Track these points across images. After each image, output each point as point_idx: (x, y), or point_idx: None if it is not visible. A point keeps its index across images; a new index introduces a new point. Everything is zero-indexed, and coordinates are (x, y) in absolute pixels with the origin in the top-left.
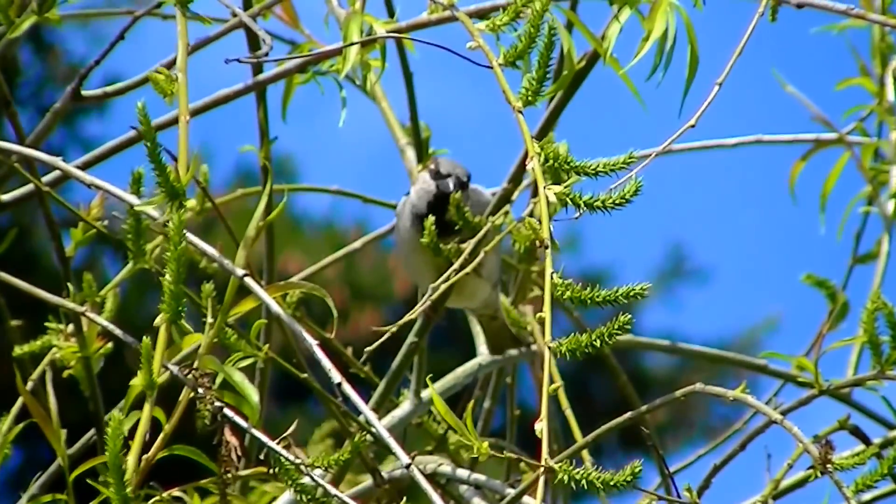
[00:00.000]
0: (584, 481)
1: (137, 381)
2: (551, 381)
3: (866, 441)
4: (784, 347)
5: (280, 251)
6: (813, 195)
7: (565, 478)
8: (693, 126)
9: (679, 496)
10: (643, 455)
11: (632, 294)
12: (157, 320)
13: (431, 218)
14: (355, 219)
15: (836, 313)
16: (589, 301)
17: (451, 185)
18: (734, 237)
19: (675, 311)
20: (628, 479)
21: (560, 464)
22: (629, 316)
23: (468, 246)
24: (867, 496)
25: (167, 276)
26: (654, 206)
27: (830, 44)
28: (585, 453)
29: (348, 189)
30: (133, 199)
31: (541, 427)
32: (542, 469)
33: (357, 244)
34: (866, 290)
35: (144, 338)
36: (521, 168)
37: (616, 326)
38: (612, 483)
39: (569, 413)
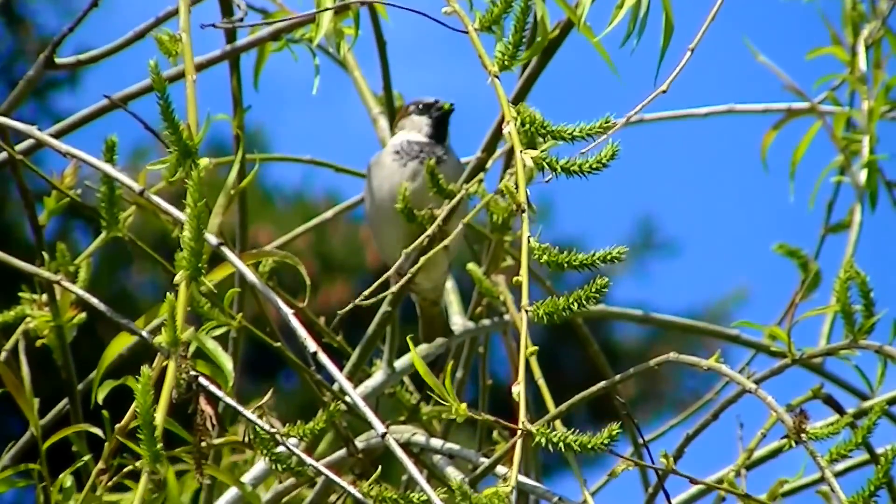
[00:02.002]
0: (561, 444)
1: (162, 339)
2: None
3: (840, 410)
4: (754, 319)
5: (251, 223)
6: (785, 165)
7: (543, 440)
8: (665, 92)
9: (653, 463)
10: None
11: (609, 258)
12: (177, 277)
13: (406, 184)
14: (326, 191)
15: (809, 283)
16: (566, 265)
17: (448, 103)
18: (705, 208)
19: (646, 283)
20: (605, 441)
21: (538, 427)
22: (606, 279)
23: (442, 213)
24: (841, 466)
25: (186, 233)
26: (625, 178)
27: (801, 13)
28: (558, 423)
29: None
30: (107, 167)
31: (518, 390)
32: (520, 432)
33: (328, 214)
34: (838, 260)
35: (168, 294)
36: (495, 137)
37: (593, 289)
38: (589, 446)
39: (541, 383)
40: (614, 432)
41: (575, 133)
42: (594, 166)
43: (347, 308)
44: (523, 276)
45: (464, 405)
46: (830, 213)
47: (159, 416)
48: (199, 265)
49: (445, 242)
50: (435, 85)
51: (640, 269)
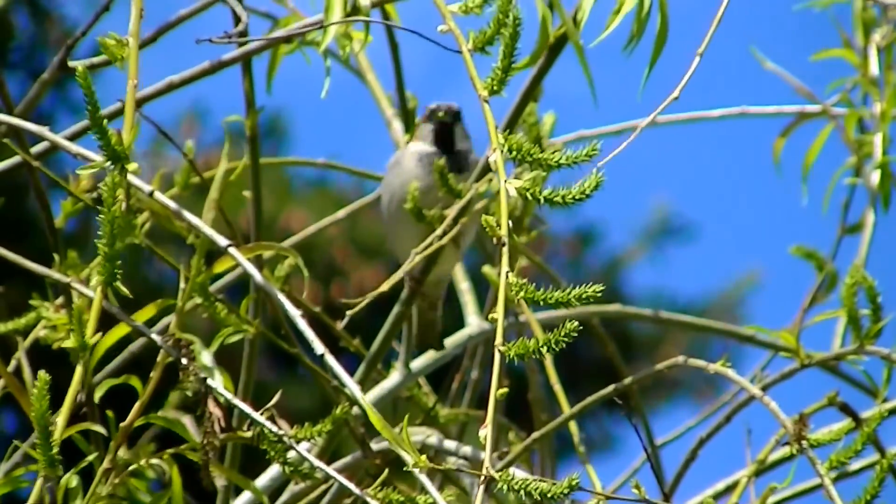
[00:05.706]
0: (521, 491)
1: (70, 343)
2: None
3: (854, 416)
4: (769, 307)
5: (280, 210)
6: (799, 168)
7: (504, 487)
8: (676, 98)
9: (658, 464)
10: (627, 419)
11: (584, 296)
12: (93, 283)
13: (415, 184)
14: (353, 181)
15: (826, 284)
16: (542, 301)
17: (443, 111)
18: (721, 208)
19: (662, 268)
20: (565, 490)
21: (500, 472)
22: (576, 323)
23: (452, 212)
24: (857, 464)
25: (102, 239)
26: (645, 179)
27: (812, 17)
28: (573, 424)
29: (339, 156)
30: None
31: (485, 433)
32: (483, 477)
33: (340, 214)
34: (854, 261)
35: (76, 300)
36: None
37: (563, 334)
38: (548, 495)
39: (557, 388)
40: (574, 482)
41: (561, 161)
42: (577, 197)
43: (355, 309)
44: (499, 314)
45: (424, 457)
46: (846, 214)
47: (61, 421)
48: (115, 271)
49: (445, 240)
50: (449, 80)
51: (658, 254)
